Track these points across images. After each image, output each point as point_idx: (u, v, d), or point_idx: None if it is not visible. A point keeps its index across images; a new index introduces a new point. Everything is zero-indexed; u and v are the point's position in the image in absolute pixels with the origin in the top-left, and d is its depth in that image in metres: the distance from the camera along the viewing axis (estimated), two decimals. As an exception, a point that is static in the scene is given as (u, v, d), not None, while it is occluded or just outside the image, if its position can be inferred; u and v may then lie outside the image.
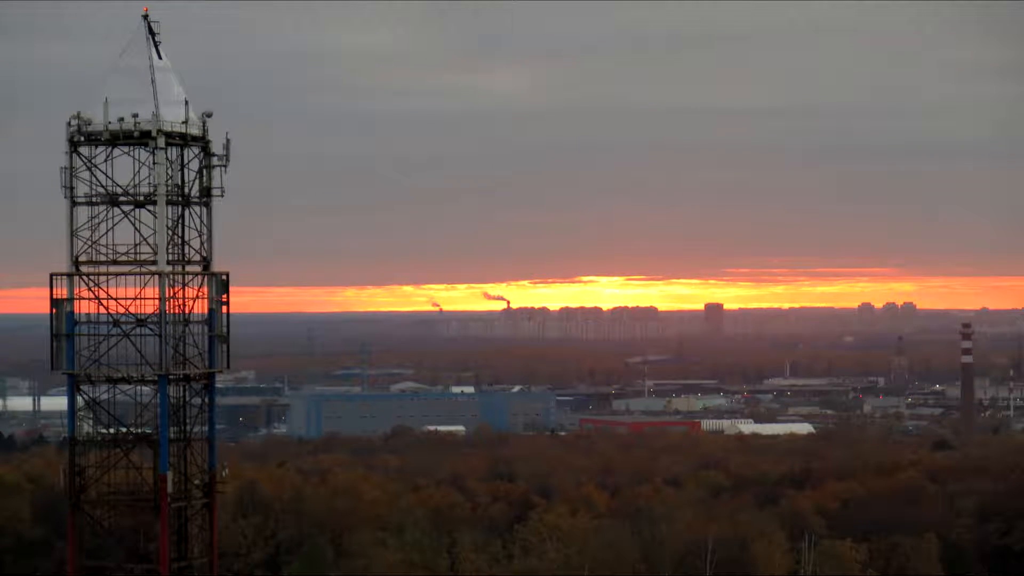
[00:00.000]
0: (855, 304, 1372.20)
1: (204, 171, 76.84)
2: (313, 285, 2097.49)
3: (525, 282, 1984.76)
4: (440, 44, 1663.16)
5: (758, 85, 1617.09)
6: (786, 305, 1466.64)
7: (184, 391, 76.16)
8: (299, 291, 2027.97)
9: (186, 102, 76.23)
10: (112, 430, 76.14)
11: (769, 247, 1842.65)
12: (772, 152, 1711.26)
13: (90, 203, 75.32)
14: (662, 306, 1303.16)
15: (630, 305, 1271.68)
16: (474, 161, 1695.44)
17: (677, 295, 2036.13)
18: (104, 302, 75.31)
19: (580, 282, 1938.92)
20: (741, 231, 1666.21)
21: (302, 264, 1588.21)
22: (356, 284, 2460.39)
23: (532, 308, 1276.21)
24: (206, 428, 77.02)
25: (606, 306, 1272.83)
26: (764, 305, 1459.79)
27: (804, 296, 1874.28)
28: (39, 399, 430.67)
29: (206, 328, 76.31)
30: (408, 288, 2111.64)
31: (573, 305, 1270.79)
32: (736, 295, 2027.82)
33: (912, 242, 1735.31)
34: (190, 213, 76.34)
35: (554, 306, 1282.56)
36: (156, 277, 74.76)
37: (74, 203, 75.30)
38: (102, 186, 75.51)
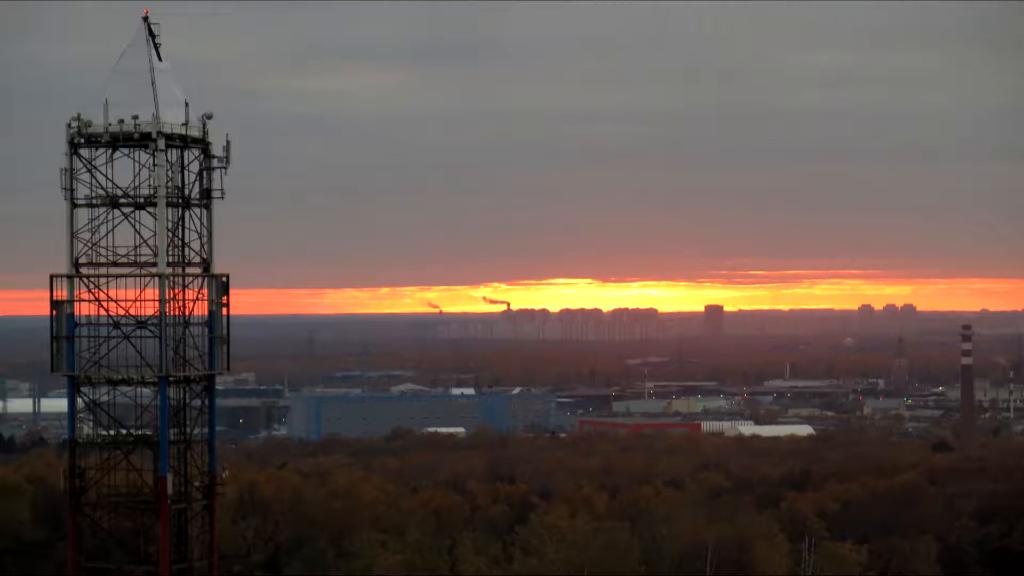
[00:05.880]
0: (841, 306, 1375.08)
1: (204, 173, 76.88)
2: (293, 287, 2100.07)
3: (501, 284, 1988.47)
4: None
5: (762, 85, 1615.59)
6: (784, 307, 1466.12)
7: (184, 393, 76.17)
8: (288, 292, 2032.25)
9: (186, 104, 76.28)
10: (112, 432, 76.19)
11: (749, 249, 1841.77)
12: (762, 152, 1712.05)
13: (90, 205, 75.35)
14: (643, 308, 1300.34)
15: (630, 307, 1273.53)
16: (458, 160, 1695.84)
17: (652, 297, 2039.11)
18: (104, 304, 75.34)
19: (553, 284, 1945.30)
20: (724, 233, 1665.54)
21: (279, 265, 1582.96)
22: (338, 286, 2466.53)
23: (532, 309, 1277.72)
24: (206, 430, 77.06)
25: (605, 308, 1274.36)
26: (754, 308, 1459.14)
27: (784, 299, 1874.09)
28: (39, 401, 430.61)
29: (206, 330, 76.33)
30: (385, 290, 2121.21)
31: (573, 307, 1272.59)
32: (718, 297, 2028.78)
33: (897, 244, 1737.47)
34: (190, 215, 76.39)
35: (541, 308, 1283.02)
36: (156, 279, 74.79)
37: (74, 205, 75.33)
38: (102, 188, 75.54)
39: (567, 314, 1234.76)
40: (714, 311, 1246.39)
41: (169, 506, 74.74)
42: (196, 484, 76.75)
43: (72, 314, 75.15)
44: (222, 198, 76.96)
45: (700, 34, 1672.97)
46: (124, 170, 75.79)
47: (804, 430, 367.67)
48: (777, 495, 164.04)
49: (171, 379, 75.03)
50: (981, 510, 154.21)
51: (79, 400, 76.03)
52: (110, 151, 75.60)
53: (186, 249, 76.26)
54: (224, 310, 76.68)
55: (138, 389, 76.00)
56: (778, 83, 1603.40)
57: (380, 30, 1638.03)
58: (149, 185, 75.43)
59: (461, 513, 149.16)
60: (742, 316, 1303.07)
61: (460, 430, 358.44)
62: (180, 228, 76.04)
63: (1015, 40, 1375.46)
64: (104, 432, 76.23)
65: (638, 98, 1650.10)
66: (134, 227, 75.58)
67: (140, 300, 75.28)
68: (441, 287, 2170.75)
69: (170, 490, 74.71)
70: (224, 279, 77.00)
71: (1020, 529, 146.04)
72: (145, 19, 76.61)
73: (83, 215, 75.43)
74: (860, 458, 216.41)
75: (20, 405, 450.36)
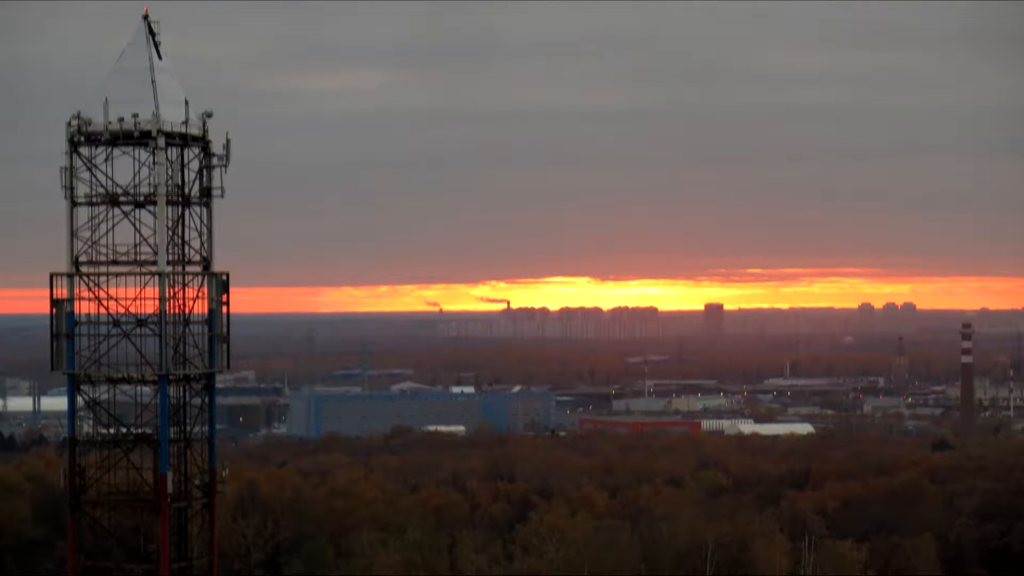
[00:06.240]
0: (841, 304, 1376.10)
1: (204, 171, 76.86)
2: (293, 285, 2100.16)
3: (500, 283, 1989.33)
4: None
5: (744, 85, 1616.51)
6: (783, 305, 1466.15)
7: (184, 391, 76.14)
8: (288, 291, 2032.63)
9: (186, 102, 76.24)
10: (112, 430, 76.15)
11: (749, 247, 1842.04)
12: (762, 152, 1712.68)
13: (90, 203, 75.30)
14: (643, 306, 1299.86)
15: (630, 305, 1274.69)
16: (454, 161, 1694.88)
17: (652, 296, 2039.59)
18: (104, 302, 75.29)
19: (552, 283, 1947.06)
20: (723, 232, 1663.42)
21: (278, 264, 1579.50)
22: (338, 284, 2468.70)
23: (532, 308, 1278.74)
24: (206, 428, 77.03)
25: (605, 306, 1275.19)
26: (754, 306, 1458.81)
27: (784, 297, 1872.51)
28: (39, 399, 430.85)
29: (206, 328, 76.31)
30: (384, 288, 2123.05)
31: (573, 305, 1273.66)
32: (718, 295, 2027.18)
33: (891, 243, 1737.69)
34: (190, 213, 76.37)
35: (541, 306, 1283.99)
36: (156, 277, 74.76)
37: (74, 203, 75.26)
38: (102, 186, 75.49)
39: (567, 312, 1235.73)
40: (714, 309, 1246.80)
41: (169, 504, 74.71)
42: (196, 482, 76.73)
43: (72, 312, 75.11)
44: (222, 196, 76.99)
45: (699, 34, 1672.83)
46: (124, 168, 75.82)
47: (804, 428, 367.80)
48: (777, 494, 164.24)
49: (171, 377, 75.00)
50: (981, 509, 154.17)
51: (79, 398, 75.99)
52: (110, 149, 75.57)
53: (186, 247, 76.23)
54: (224, 308, 76.65)
55: (138, 387, 75.95)
56: (778, 83, 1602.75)
57: (380, 30, 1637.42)
58: (149, 183, 75.38)
59: (461, 512, 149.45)
60: (742, 314, 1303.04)
61: (460, 429, 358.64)
62: (180, 226, 76.00)
63: (1015, 40, 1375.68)
64: (104, 430, 76.15)
65: (638, 98, 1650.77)
66: (134, 225, 75.55)
67: (140, 298, 75.24)
68: (441, 286, 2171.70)
69: (170, 488, 74.68)
70: (224, 277, 76.98)
71: (1020, 528, 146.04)
72: (145, 18, 76.59)
73: (83, 213, 75.40)
74: (860, 457, 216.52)
75: (20, 403, 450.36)
